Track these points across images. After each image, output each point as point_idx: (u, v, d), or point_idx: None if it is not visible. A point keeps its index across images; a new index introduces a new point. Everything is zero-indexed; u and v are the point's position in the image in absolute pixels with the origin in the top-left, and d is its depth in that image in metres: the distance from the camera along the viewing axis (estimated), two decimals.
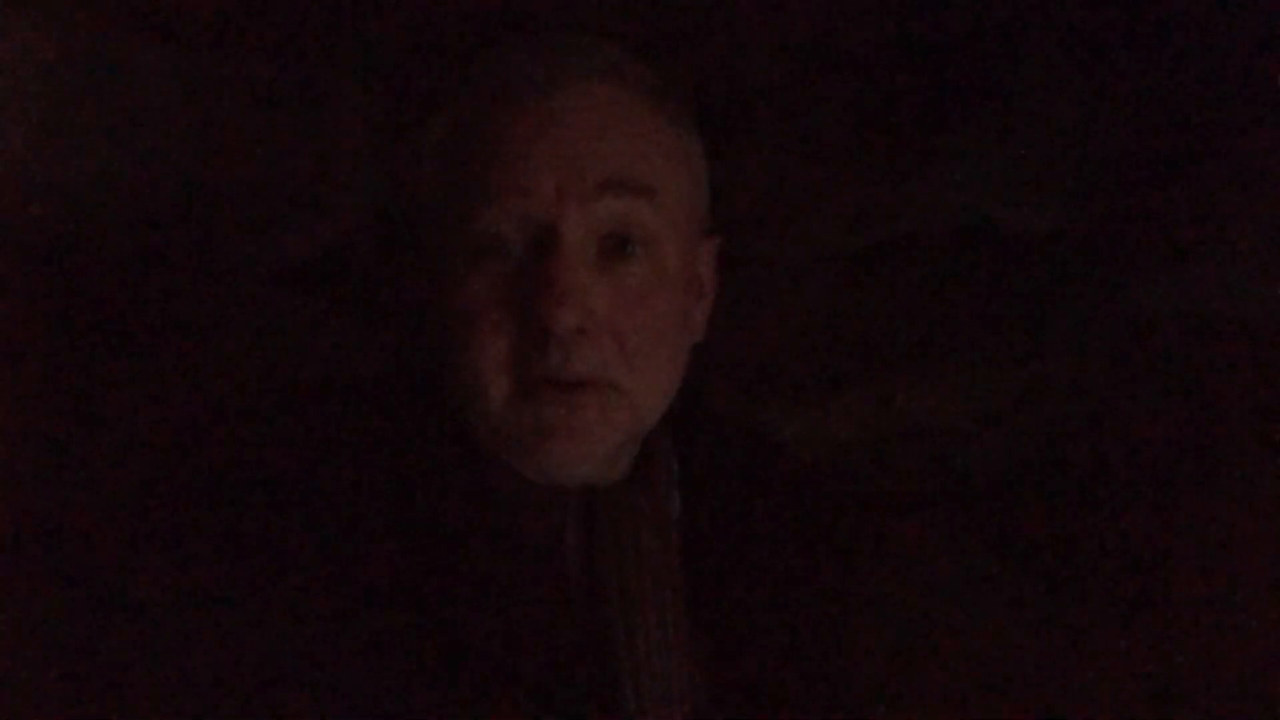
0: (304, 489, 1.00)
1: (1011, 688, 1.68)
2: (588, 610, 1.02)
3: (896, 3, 1.73)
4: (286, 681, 0.97)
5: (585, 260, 0.98)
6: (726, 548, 1.10)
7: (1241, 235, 1.80)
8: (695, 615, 1.06)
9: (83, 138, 1.40)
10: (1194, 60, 1.77)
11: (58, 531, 1.13)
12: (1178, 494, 1.77)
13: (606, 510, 1.03)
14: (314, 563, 0.98)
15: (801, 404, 1.78)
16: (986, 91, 1.80)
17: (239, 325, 1.49)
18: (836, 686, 1.12)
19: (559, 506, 1.03)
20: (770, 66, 1.71)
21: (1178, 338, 1.84)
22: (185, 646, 0.97)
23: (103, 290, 1.43)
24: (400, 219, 1.11)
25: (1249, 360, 1.79)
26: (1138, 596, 1.74)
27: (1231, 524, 1.74)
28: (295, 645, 0.97)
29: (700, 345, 1.11)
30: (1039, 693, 1.68)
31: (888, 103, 1.76)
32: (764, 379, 1.76)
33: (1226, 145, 1.79)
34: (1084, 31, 1.78)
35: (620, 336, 0.99)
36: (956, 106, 1.79)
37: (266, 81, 1.48)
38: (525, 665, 1.00)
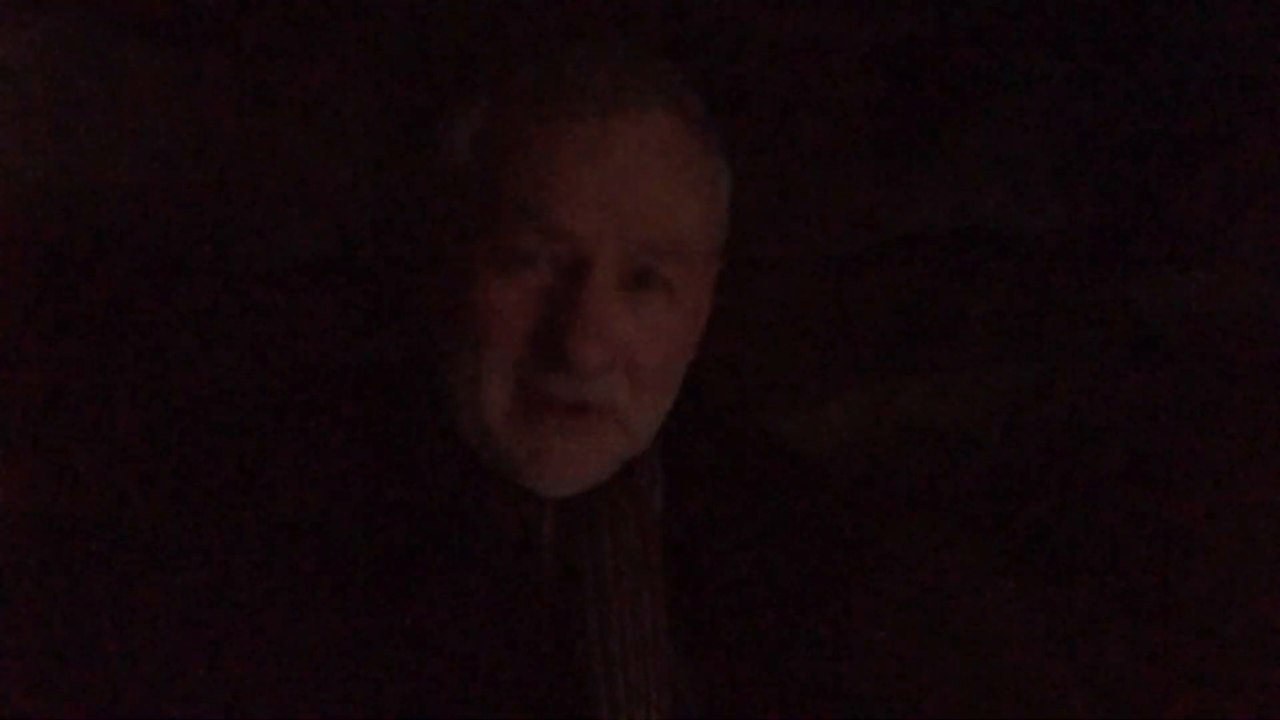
0: (280, 480, 1.00)
1: (1011, 687, 1.68)
2: (562, 607, 1.02)
3: (897, 4, 1.74)
4: (255, 670, 0.97)
5: (612, 290, 0.98)
6: (714, 542, 1.09)
7: (1242, 235, 1.80)
8: (679, 611, 1.05)
9: (83, 138, 1.40)
10: (1194, 60, 1.77)
11: (55, 526, 1.13)
12: (1178, 493, 1.78)
13: (585, 507, 1.03)
14: (288, 555, 0.98)
15: (801, 404, 1.78)
16: (987, 91, 1.80)
17: (239, 325, 1.49)
18: (830, 685, 1.12)
19: (537, 502, 1.02)
20: (771, 66, 1.71)
21: (1178, 338, 1.84)
22: (173, 636, 0.97)
23: (102, 290, 1.43)
24: (416, 207, 1.08)
25: (1250, 360, 1.79)
26: (1138, 596, 1.74)
27: (1232, 523, 1.74)
28: (266, 636, 0.97)
29: (699, 345, 1.11)
30: (1039, 692, 1.68)
31: (888, 103, 1.76)
32: (764, 379, 1.76)
33: (1227, 145, 1.79)
34: (1083, 31, 1.78)
35: (633, 366, 0.99)
36: (956, 106, 1.80)
37: (266, 81, 1.48)
38: (494, 662, 0.99)
